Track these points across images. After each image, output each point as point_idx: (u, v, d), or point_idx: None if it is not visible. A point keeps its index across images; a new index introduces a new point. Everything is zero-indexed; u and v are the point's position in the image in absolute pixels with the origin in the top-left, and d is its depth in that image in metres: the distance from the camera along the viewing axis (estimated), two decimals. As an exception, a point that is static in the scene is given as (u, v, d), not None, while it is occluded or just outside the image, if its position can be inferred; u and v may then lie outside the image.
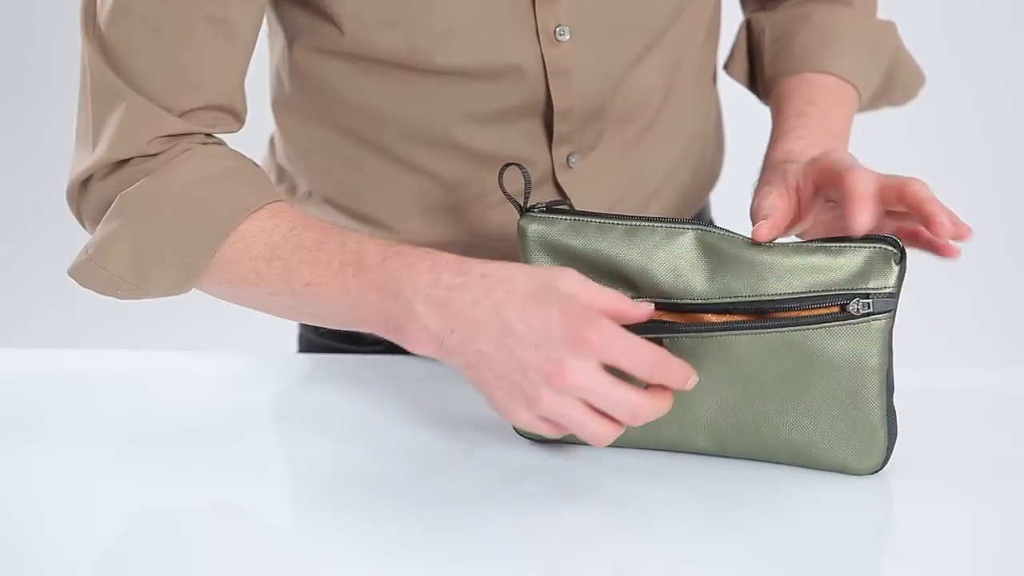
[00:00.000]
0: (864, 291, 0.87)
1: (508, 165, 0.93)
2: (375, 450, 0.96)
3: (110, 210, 0.96)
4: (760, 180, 1.01)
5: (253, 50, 1.01)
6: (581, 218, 0.91)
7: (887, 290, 0.87)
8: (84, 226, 1.01)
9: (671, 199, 1.18)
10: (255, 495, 0.91)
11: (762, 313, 0.88)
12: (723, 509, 0.88)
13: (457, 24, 0.99)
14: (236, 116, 1.00)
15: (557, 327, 0.83)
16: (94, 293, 0.99)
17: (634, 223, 0.90)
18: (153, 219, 0.95)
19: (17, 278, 3.00)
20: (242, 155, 1.00)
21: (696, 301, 0.89)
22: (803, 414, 0.90)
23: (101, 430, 1.00)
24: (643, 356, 0.83)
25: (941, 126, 2.86)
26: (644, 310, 0.87)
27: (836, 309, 0.88)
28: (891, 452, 0.91)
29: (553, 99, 1.04)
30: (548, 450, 0.95)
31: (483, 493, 0.90)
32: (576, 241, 0.91)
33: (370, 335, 1.19)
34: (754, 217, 0.93)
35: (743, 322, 0.88)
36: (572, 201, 1.07)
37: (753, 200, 0.96)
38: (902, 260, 0.88)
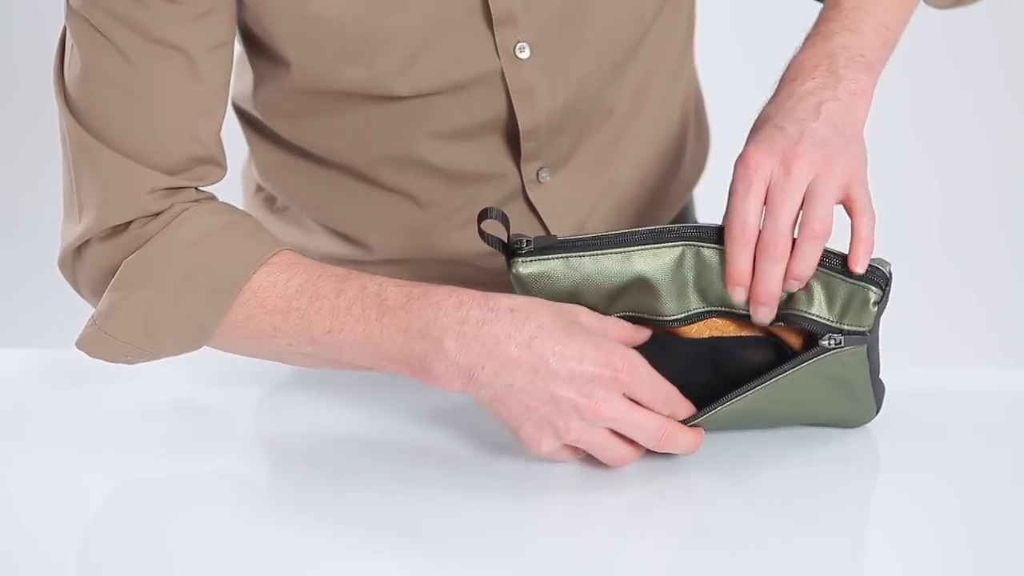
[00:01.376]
0: (838, 327, 0.88)
1: (484, 215, 0.92)
2: (374, 450, 0.96)
3: (115, 279, 0.94)
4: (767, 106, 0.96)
5: (227, 97, 0.99)
6: (573, 254, 0.91)
7: (860, 329, 0.89)
8: (81, 293, 1.00)
9: (645, 204, 1.16)
10: (255, 495, 0.91)
11: (737, 320, 0.91)
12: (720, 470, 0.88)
13: (416, 50, 0.98)
14: (219, 165, 0.98)
15: (589, 362, 0.86)
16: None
17: (627, 249, 0.91)
18: (161, 284, 0.93)
19: (17, 278, 3.00)
20: (236, 208, 0.99)
21: (693, 312, 0.91)
22: (795, 408, 0.94)
23: (101, 430, 1.00)
24: (661, 391, 0.89)
25: (942, 125, 2.86)
26: (644, 334, 0.91)
27: (802, 341, 0.90)
28: (880, 406, 0.95)
29: (518, 117, 1.03)
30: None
31: (483, 493, 0.90)
32: (574, 276, 0.91)
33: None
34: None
35: (734, 394, 0.89)
36: (543, 216, 1.08)
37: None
38: (883, 300, 0.88)
